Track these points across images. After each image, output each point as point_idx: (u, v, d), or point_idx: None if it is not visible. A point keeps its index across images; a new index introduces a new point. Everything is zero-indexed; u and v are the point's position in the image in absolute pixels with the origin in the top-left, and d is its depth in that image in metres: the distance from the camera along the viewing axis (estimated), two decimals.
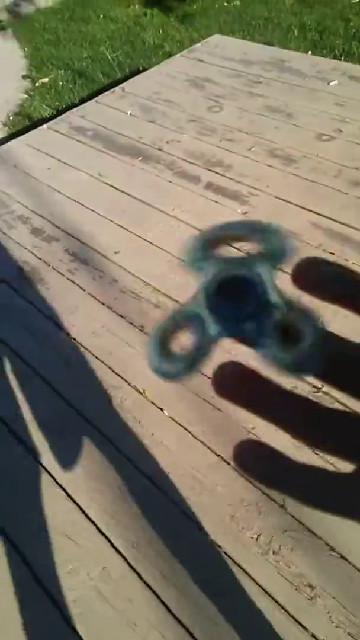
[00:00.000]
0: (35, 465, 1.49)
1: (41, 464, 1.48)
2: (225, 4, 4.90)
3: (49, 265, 2.20)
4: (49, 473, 1.46)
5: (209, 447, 1.44)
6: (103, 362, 1.72)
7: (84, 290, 2.07)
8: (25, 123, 4.06)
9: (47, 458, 1.50)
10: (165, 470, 1.41)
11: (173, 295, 1.93)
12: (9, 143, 2.88)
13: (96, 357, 1.74)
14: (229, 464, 1.40)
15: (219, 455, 1.42)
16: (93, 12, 5.41)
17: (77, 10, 5.48)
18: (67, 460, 1.50)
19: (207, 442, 1.45)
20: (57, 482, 1.44)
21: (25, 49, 5.06)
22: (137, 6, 5.40)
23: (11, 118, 4.14)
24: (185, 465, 1.41)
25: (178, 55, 3.20)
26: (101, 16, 5.28)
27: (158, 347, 0.21)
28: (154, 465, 1.43)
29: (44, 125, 2.97)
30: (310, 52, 3.68)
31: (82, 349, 1.80)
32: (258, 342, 0.20)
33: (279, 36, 4.05)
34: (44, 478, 1.46)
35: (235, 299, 0.21)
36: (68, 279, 2.13)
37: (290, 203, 2.12)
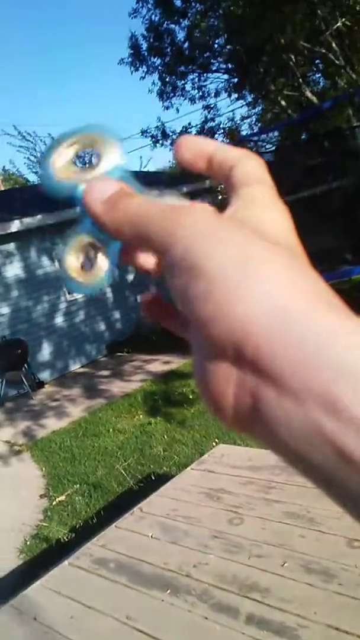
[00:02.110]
0: None
1: None
2: None
3: None
4: None
5: None
6: None
7: None
8: (42, 547, 4.01)
9: None
10: None
11: None
12: (26, 591, 2.73)
13: None
14: None
15: None
16: (103, 426, 6.13)
17: (88, 428, 6.21)
18: None
19: None
20: None
21: (43, 468, 5.47)
22: (141, 416, 6.17)
23: (28, 543, 4.11)
24: None
25: (188, 468, 3.44)
26: (110, 429, 5.96)
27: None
28: None
29: (65, 562, 2.89)
30: None
31: None
32: None
33: None
34: None
35: None
36: None
37: (347, 633, 1.88)
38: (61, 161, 0.30)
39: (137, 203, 0.27)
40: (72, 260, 0.30)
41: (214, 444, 4.68)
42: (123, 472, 4.71)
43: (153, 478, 4.39)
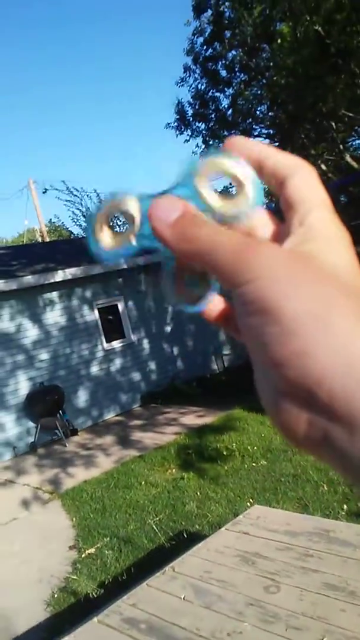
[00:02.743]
0: None
1: None
2: (254, 464, 5.54)
3: None
4: None
5: None
6: None
7: None
8: (70, 601, 3.94)
9: None
10: None
11: None
12: None
13: None
14: None
15: None
16: (135, 478, 6.07)
17: (120, 479, 6.17)
18: None
19: None
20: None
21: (73, 518, 5.43)
22: (174, 470, 6.11)
23: (56, 595, 4.04)
24: None
25: (223, 528, 3.37)
26: (142, 482, 5.90)
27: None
28: None
29: (94, 619, 2.84)
30: (345, 505, 3.89)
31: None
32: None
33: (310, 492, 4.38)
34: None
35: None
36: None
37: None
38: (103, 237, 0.31)
39: (206, 233, 0.28)
40: (173, 286, 0.31)
41: (248, 504, 4.58)
42: (154, 528, 4.63)
43: (185, 536, 4.30)
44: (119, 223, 0.33)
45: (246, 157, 0.30)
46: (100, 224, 0.31)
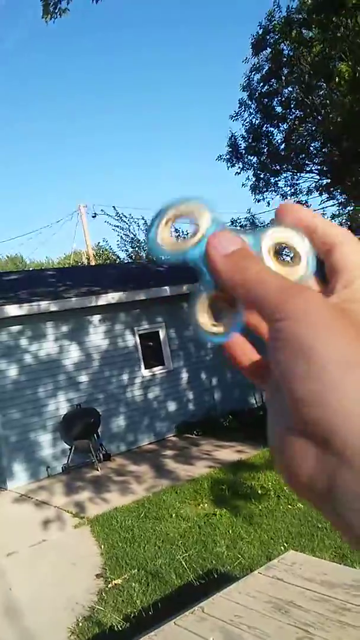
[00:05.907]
0: None
1: None
2: (290, 506, 5.36)
3: None
4: None
5: None
6: None
7: None
8: (95, 631, 3.86)
9: None
10: None
11: None
12: None
13: None
14: None
15: None
16: (166, 510, 5.97)
17: (151, 509, 6.08)
18: None
19: None
20: None
21: (102, 545, 5.37)
22: (206, 505, 5.97)
23: (80, 624, 3.98)
24: None
25: (256, 572, 3.25)
26: (173, 514, 5.79)
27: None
28: None
29: None
30: None
31: None
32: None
33: None
34: None
35: None
36: None
37: None
38: (165, 234, 0.33)
39: (257, 269, 0.30)
40: (203, 314, 0.34)
41: (282, 548, 4.41)
42: (184, 564, 4.51)
43: (215, 576, 4.17)
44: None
45: (297, 223, 0.33)
46: (166, 221, 0.33)
